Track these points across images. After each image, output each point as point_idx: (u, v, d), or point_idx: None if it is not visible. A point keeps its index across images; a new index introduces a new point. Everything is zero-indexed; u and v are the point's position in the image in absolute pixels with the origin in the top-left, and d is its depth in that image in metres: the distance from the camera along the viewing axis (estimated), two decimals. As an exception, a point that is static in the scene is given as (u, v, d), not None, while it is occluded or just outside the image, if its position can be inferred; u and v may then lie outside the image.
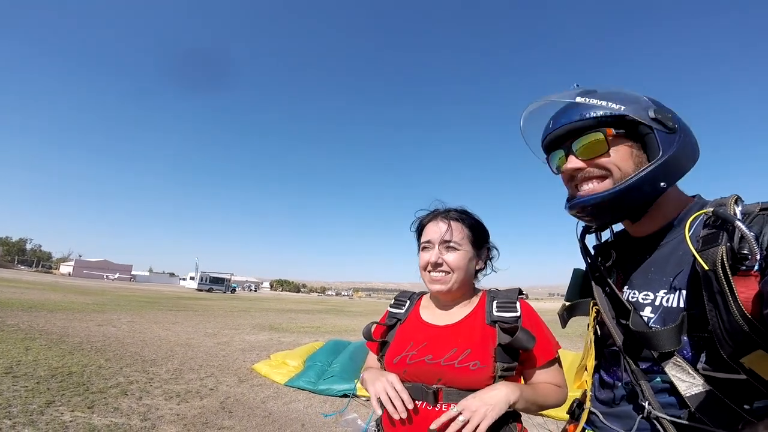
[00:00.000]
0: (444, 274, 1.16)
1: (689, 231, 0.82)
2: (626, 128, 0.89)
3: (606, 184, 0.91)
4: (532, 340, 1.04)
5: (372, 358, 1.34)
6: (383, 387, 1.06)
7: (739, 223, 0.72)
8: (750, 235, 0.70)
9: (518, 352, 1.07)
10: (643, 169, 0.87)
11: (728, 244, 0.73)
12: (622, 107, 0.88)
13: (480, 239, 1.23)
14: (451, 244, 1.16)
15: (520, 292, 1.21)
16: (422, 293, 1.34)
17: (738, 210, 0.78)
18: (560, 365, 1.17)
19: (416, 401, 1.07)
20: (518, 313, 1.12)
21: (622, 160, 0.90)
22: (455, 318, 1.18)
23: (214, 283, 58.00)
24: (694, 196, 0.97)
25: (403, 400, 1.03)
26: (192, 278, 59.27)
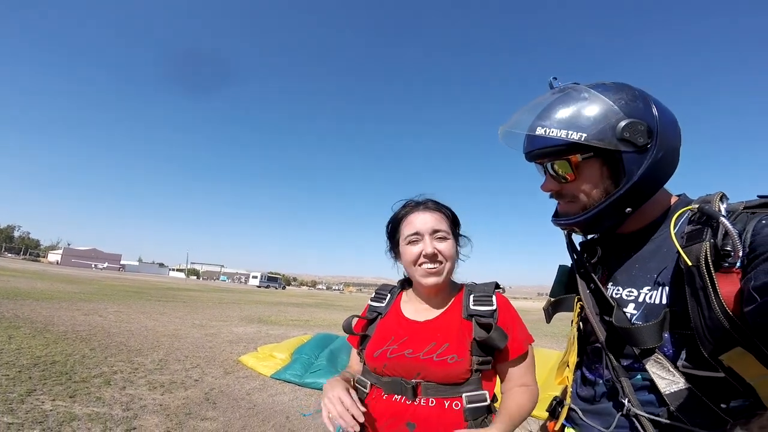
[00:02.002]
0: (439, 264, 1.13)
1: (674, 227, 0.82)
2: (595, 149, 0.88)
3: (576, 208, 0.96)
4: (503, 339, 1.04)
5: (354, 356, 1.32)
6: (332, 403, 1.01)
7: (723, 219, 0.73)
8: (734, 231, 0.71)
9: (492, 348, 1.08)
10: (605, 200, 0.90)
11: (712, 240, 0.74)
12: (583, 134, 0.85)
13: (457, 228, 1.24)
14: (441, 234, 1.15)
15: (497, 285, 1.21)
16: (403, 287, 1.33)
17: (723, 207, 0.78)
18: (532, 359, 1.17)
19: (395, 396, 1.08)
20: (494, 307, 1.12)
21: (590, 185, 0.92)
22: (435, 313, 1.18)
23: (271, 281, 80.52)
24: (679, 195, 0.98)
25: (354, 415, 0.98)
26: (255, 277, 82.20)
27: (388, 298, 1.30)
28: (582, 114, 0.87)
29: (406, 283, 1.31)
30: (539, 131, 0.90)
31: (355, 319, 1.28)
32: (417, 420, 1.05)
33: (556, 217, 1.04)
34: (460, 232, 1.26)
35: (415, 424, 1.04)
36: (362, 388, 1.17)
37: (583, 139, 0.85)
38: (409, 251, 1.16)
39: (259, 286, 68.54)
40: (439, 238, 1.15)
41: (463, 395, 1.05)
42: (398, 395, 1.08)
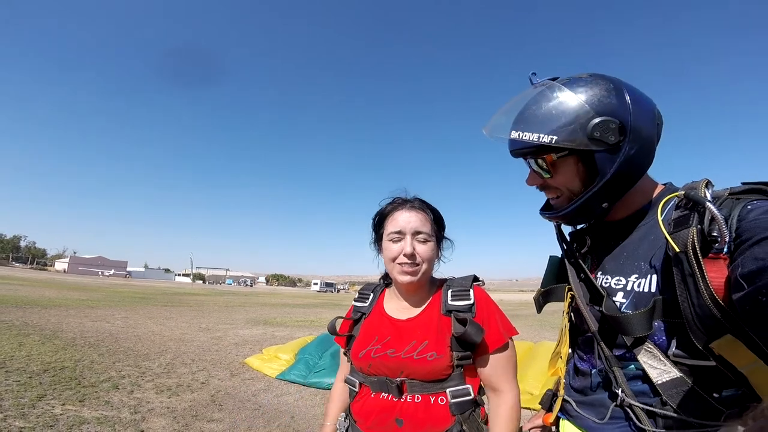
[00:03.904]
0: (415, 266, 1.15)
1: (661, 214, 0.83)
2: (569, 148, 0.89)
3: (562, 200, 0.98)
4: (479, 333, 1.05)
5: (344, 356, 1.36)
6: None
7: (709, 204, 0.72)
8: (720, 216, 0.71)
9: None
10: (580, 198, 0.92)
11: (699, 226, 0.74)
12: (554, 137, 0.86)
13: (441, 230, 1.25)
14: (423, 236, 1.16)
15: (476, 278, 1.23)
16: (385, 286, 1.34)
17: (708, 193, 0.78)
18: (511, 355, 1.15)
19: (382, 394, 1.11)
20: (471, 301, 1.14)
21: (569, 181, 0.94)
22: (416, 311, 1.20)
23: (328, 286, 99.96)
24: (665, 184, 0.98)
25: None
26: (315, 283, 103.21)
27: (371, 297, 1.31)
28: (553, 115, 0.88)
29: (389, 278, 1.30)
30: (513, 135, 0.92)
31: (339, 321, 1.31)
32: (404, 416, 1.07)
33: (544, 209, 1.06)
34: (445, 235, 1.27)
35: (402, 420, 1.07)
36: (352, 387, 1.20)
37: (553, 142, 0.86)
38: (390, 248, 1.17)
39: (318, 291, 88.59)
40: (421, 240, 1.16)
41: (447, 390, 1.07)
42: (385, 393, 1.11)
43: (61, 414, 3.46)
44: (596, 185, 0.88)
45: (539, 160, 0.95)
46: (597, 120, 0.84)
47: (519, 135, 0.91)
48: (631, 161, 0.86)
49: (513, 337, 1.17)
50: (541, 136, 0.87)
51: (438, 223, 1.24)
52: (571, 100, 0.88)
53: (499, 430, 1.08)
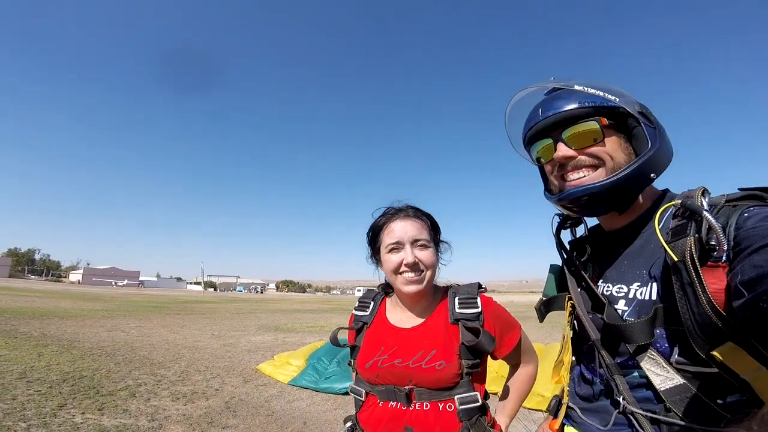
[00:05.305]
0: (420, 273, 1.14)
1: (659, 223, 0.82)
2: (616, 120, 0.90)
3: (599, 174, 0.90)
4: (492, 343, 1.08)
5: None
6: None
7: (706, 214, 0.72)
8: (717, 225, 0.70)
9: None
10: (639, 158, 0.87)
11: (696, 235, 0.73)
12: (617, 99, 0.88)
13: (437, 234, 1.25)
14: (422, 242, 1.16)
15: (480, 286, 1.23)
16: (385, 294, 1.33)
17: (705, 201, 0.77)
18: (524, 335, 1.24)
19: (390, 403, 1.12)
20: (479, 309, 1.14)
21: (615, 151, 0.90)
22: (421, 319, 1.19)
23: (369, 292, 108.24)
24: (663, 191, 0.98)
25: None
26: (359, 290, 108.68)
27: (371, 306, 1.30)
28: (607, 87, 0.91)
29: (389, 287, 1.30)
30: (577, 87, 0.90)
31: (341, 331, 1.31)
32: (414, 424, 1.08)
33: (568, 189, 0.93)
34: (441, 239, 1.27)
35: (412, 428, 1.07)
36: (358, 397, 1.21)
37: (618, 102, 0.88)
38: (390, 260, 1.16)
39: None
40: (420, 246, 1.15)
41: (455, 397, 1.08)
42: (393, 402, 1.11)
43: (81, 422, 3.56)
44: (652, 149, 0.87)
45: (590, 123, 0.89)
46: (640, 104, 0.92)
47: (584, 88, 0.90)
48: (667, 143, 0.92)
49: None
50: (606, 94, 0.89)
51: (434, 229, 1.24)
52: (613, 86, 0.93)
53: (515, 389, 1.29)
